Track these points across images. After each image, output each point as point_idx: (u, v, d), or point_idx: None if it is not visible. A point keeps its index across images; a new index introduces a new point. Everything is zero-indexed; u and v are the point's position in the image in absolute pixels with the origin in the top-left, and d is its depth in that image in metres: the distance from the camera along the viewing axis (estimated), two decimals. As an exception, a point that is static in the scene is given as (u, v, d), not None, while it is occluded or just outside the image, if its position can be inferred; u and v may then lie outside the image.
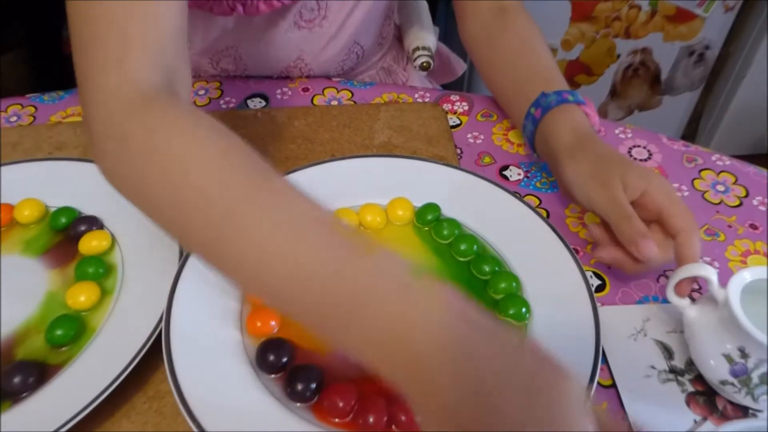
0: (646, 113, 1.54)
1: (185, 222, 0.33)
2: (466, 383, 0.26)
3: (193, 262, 0.41)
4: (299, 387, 0.36)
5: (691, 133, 1.59)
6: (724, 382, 0.36)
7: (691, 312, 0.37)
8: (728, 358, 0.35)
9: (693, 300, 0.39)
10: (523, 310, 0.40)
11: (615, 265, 0.44)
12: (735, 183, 0.53)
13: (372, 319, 0.28)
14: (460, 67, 0.86)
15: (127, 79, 0.35)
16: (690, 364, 0.40)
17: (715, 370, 0.36)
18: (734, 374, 0.35)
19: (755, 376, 0.35)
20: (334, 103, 0.62)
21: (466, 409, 0.26)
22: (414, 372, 0.27)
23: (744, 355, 0.35)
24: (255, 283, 0.32)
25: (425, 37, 0.71)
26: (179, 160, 0.32)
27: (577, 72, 1.47)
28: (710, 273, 0.36)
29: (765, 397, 0.35)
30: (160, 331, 0.38)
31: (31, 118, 0.60)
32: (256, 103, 0.61)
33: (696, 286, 0.44)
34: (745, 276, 0.36)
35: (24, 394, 0.37)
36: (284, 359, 0.37)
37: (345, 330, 0.29)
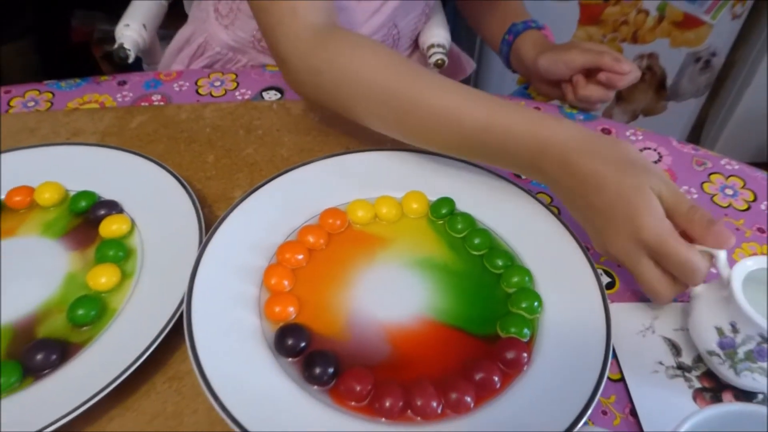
0: (651, 118, 1.55)
1: (377, 111, 0.47)
2: (588, 170, 0.40)
3: (212, 248, 0.42)
4: (317, 371, 0.36)
5: (694, 139, 1.60)
6: (711, 353, 0.38)
7: (698, 288, 0.40)
8: (719, 331, 0.37)
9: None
10: (536, 303, 0.41)
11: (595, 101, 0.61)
12: (743, 187, 0.54)
13: (516, 149, 0.43)
14: (470, 66, 0.87)
15: (302, 24, 0.48)
16: (697, 360, 0.41)
17: (705, 339, 0.38)
18: (721, 346, 0.37)
19: (741, 352, 0.37)
20: (349, 97, 0.63)
21: (588, 186, 0.40)
22: (545, 175, 0.43)
23: (734, 330, 0.37)
24: (434, 137, 0.46)
25: (440, 34, 0.71)
26: (362, 72, 0.46)
27: (582, 75, 1.48)
28: (719, 250, 0.38)
29: (747, 372, 0.37)
30: (180, 314, 0.39)
31: (49, 104, 0.60)
32: (271, 95, 0.62)
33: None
34: (747, 264, 0.38)
35: (46, 371, 0.37)
36: (302, 344, 0.38)
37: (501, 160, 0.45)
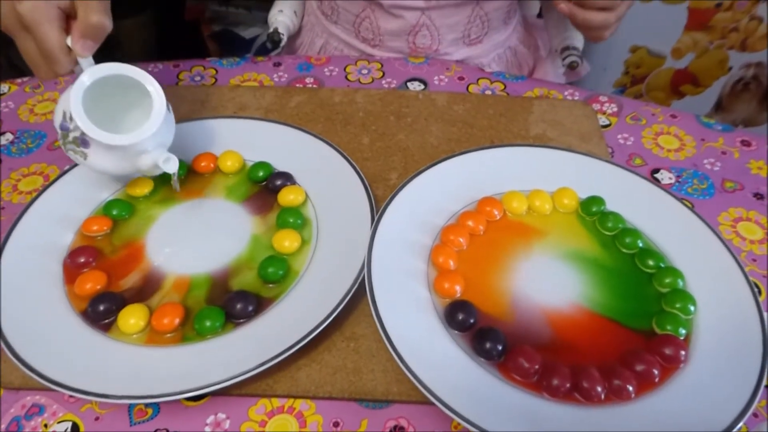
0: (751, 129, 1.50)
1: None
2: None
3: (384, 224, 0.46)
4: (487, 345, 0.40)
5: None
6: (58, 129, 0.46)
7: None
8: (63, 115, 0.46)
9: None
10: (690, 305, 0.43)
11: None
12: None
13: None
14: (584, 68, 0.88)
15: None
16: None
17: (56, 118, 0.46)
18: (62, 128, 0.46)
19: (71, 136, 0.46)
20: (488, 92, 0.65)
21: None
22: None
23: (70, 118, 0.45)
24: None
25: (574, 37, 0.73)
26: None
27: (683, 82, 1.44)
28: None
29: (72, 152, 0.46)
30: (355, 280, 0.43)
31: (213, 80, 0.66)
32: (415, 86, 0.65)
33: None
34: (84, 80, 0.44)
35: (243, 320, 0.42)
36: (471, 320, 0.41)
37: None
